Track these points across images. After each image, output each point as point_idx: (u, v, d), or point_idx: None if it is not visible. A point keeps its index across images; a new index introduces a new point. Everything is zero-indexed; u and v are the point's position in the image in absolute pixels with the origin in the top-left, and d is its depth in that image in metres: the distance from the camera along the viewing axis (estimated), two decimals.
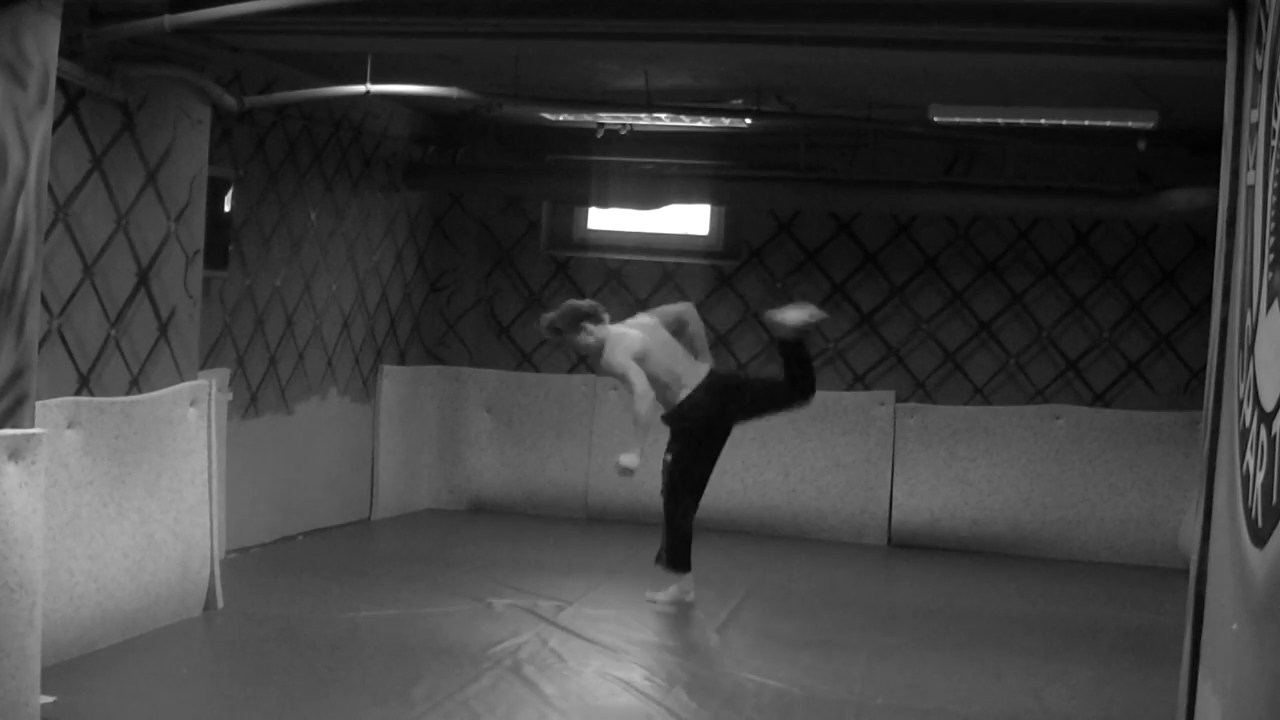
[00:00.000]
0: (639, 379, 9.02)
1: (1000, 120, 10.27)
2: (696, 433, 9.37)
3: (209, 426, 8.53)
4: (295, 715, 6.87)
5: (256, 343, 10.41)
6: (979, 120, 10.26)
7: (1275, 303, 4.08)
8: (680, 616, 9.29)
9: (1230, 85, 5.41)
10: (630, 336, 9.28)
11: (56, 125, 7.03)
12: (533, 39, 7.65)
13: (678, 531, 9.40)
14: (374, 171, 11.89)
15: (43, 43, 6.21)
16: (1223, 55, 5.50)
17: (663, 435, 9.53)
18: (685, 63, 9.42)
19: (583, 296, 12.86)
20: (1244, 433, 4.45)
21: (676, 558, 9.43)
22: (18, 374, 6.03)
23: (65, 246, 7.49)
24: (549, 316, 9.50)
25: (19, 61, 5.98)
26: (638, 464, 9.04)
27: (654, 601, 9.37)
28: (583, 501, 12.80)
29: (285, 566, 10.13)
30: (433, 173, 12.60)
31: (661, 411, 9.33)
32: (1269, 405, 4.04)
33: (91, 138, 7.63)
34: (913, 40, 7.11)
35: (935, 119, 10.12)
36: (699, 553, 9.53)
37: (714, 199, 12.45)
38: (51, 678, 6.67)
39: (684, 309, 9.76)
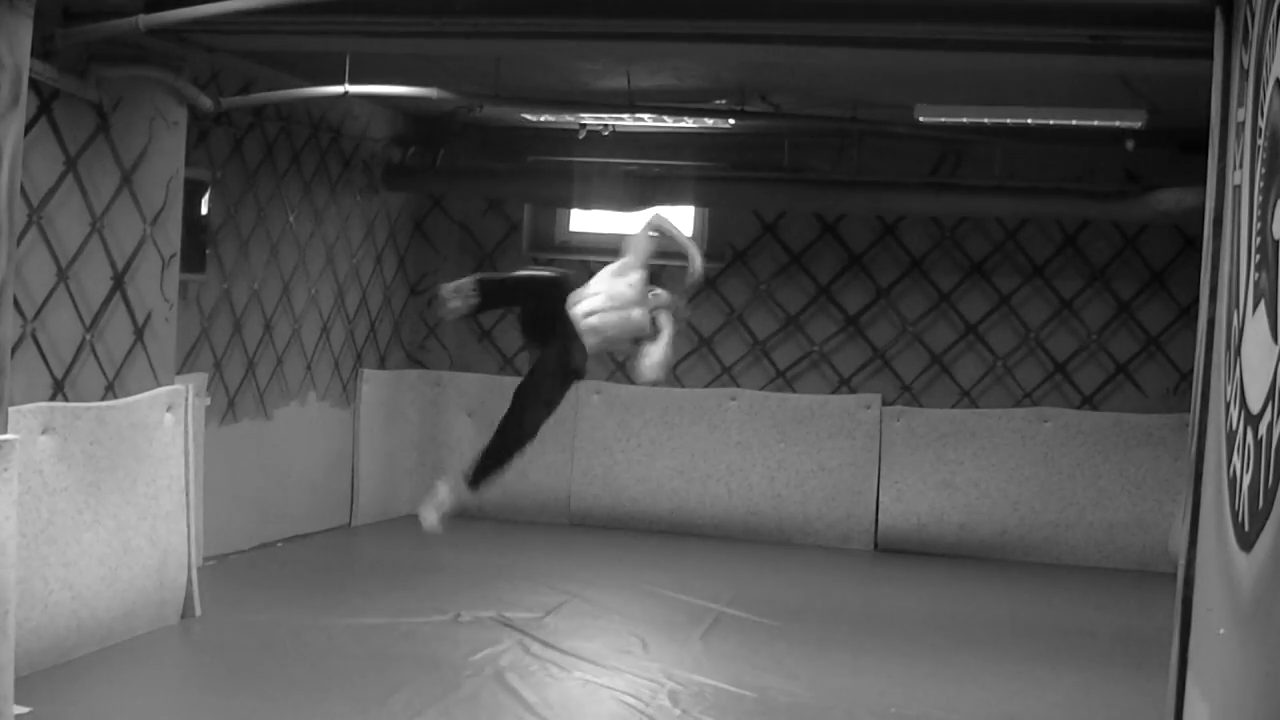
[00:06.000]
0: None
1: (987, 120, 10.21)
2: None
3: (186, 432, 8.45)
4: None
5: (234, 347, 10.33)
6: (965, 120, 10.19)
7: (1261, 303, 4.02)
8: (664, 623, 9.22)
9: (1217, 84, 5.36)
10: None
11: (30, 127, 6.95)
12: (512, 38, 7.57)
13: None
14: (353, 173, 11.81)
15: (15, 43, 6.14)
16: (1210, 54, 5.45)
17: None
18: (668, 63, 9.36)
19: None
20: (1230, 435, 4.40)
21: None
22: None
23: (39, 249, 7.40)
24: None
25: None
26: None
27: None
28: (565, 507, 12.72)
29: (265, 573, 10.04)
30: (413, 174, 12.53)
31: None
32: (1255, 407, 3.99)
33: (65, 139, 7.54)
34: (898, 40, 7.06)
35: (921, 119, 10.06)
36: (684, 555, 9.46)
37: (698, 200, 12.38)
38: (26, 688, 6.62)
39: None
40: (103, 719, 6.76)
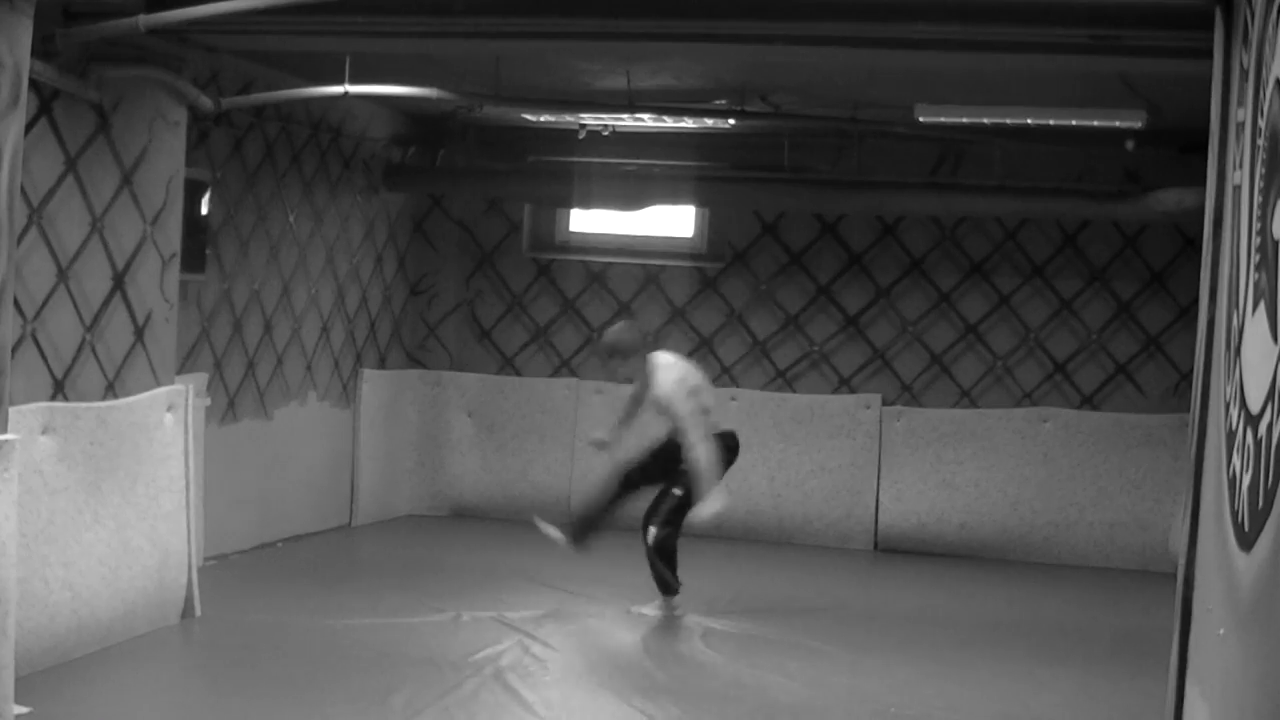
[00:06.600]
0: (694, 421, 9.00)
1: (987, 120, 10.20)
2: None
3: (186, 432, 8.44)
4: None
5: (234, 347, 10.32)
6: (965, 120, 10.19)
7: (1260, 304, 4.01)
8: (665, 623, 9.21)
9: (1217, 84, 5.35)
10: (683, 369, 9.34)
11: (30, 127, 6.93)
12: (512, 38, 7.57)
13: (671, 556, 9.35)
14: (353, 173, 11.80)
15: (14, 43, 6.13)
16: (1210, 54, 5.44)
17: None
18: (668, 63, 9.35)
19: (565, 299, 12.83)
20: (1230, 435, 4.39)
21: (668, 581, 9.36)
22: None
23: (39, 249, 7.39)
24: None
25: None
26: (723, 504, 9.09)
27: (642, 614, 9.32)
28: (566, 507, 12.68)
29: (265, 574, 10.03)
30: (413, 175, 12.52)
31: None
32: (1255, 407, 3.98)
33: (66, 139, 7.52)
34: (898, 40, 7.04)
35: (921, 119, 10.05)
36: (684, 555, 9.44)
37: (698, 200, 12.37)
38: (26, 688, 6.59)
39: (703, 381, 9.53)
40: (102, 719, 6.75)
